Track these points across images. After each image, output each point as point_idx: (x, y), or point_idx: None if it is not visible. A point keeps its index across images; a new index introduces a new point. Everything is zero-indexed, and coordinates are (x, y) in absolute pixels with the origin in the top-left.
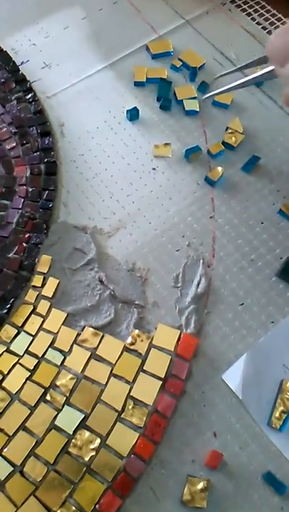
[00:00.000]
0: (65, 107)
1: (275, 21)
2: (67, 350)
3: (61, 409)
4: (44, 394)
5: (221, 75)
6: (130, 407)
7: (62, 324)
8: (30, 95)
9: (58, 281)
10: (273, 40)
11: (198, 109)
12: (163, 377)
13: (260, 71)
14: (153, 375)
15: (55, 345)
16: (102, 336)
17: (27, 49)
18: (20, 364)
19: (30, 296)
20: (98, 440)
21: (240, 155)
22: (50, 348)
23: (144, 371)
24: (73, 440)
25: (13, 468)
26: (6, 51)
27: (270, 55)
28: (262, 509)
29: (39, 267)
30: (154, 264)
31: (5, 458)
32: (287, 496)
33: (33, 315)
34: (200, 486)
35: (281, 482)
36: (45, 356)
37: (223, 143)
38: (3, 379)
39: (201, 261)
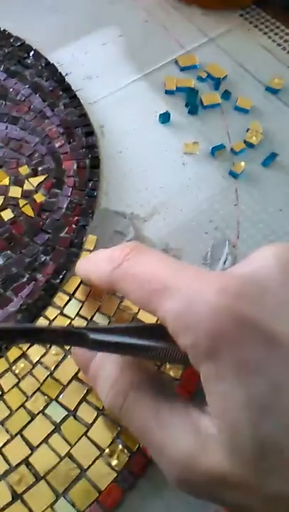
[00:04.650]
0: (105, 112)
1: None
2: (112, 315)
3: None
4: None
5: None
6: None
7: (106, 293)
8: (75, 101)
9: None
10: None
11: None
12: None
13: None
14: None
15: (101, 310)
16: None
17: (70, 62)
18: None
19: None
20: None
21: (260, 152)
22: (97, 313)
23: None
24: None
25: (67, 413)
26: (52, 64)
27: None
28: None
29: (86, 245)
30: (185, 245)
31: (60, 404)
32: None
33: (82, 285)
34: None
35: None
36: (94, 319)
37: (245, 142)
38: None
39: (227, 242)
